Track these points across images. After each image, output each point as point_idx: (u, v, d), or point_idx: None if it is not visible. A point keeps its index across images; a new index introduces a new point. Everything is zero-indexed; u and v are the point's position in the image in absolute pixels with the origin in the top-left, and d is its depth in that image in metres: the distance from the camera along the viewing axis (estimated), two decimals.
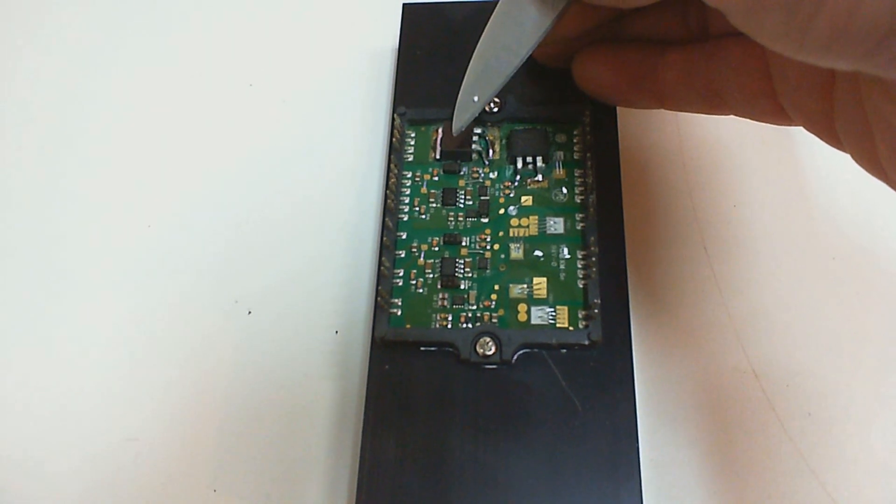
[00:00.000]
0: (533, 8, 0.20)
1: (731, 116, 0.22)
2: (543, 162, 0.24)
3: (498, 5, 0.21)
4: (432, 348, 0.22)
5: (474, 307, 0.22)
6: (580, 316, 0.22)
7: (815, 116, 0.19)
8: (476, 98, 0.22)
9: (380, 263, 0.23)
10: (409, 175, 0.25)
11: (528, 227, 0.23)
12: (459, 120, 0.22)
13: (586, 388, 0.21)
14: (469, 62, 0.22)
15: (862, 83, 0.17)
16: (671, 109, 0.23)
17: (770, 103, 0.20)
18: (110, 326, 0.26)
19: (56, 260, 0.27)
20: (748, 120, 0.21)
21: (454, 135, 0.23)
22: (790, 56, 0.15)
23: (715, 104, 0.21)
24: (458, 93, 0.22)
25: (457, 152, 0.24)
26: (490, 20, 0.21)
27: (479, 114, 0.25)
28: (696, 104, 0.22)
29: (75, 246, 0.28)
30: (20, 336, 0.26)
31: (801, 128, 0.20)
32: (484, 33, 0.21)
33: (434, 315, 0.22)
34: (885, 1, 0.12)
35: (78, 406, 0.25)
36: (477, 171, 0.24)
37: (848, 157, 0.19)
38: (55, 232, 0.28)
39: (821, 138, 0.19)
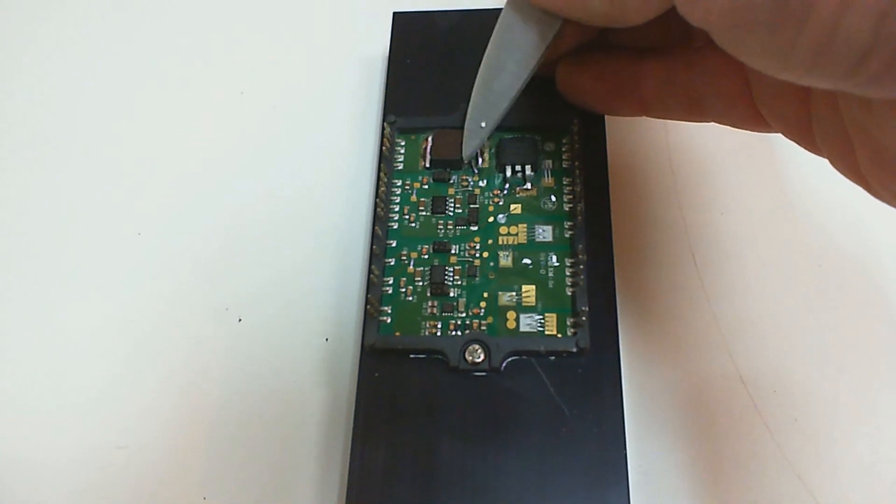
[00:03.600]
0: (530, 30, 0.21)
1: (718, 125, 0.22)
2: (532, 170, 0.24)
3: (495, 30, 0.21)
4: (422, 356, 0.22)
5: (463, 315, 0.22)
6: (568, 323, 0.22)
7: (793, 123, 0.19)
8: (483, 124, 0.22)
9: (369, 271, 0.23)
10: (399, 183, 0.25)
11: (516, 234, 0.23)
12: (469, 147, 0.23)
13: (574, 395, 0.21)
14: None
15: (839, 95, 0.17)
16: (654, 117, 0.23)
17: (749, 110, 0.20)
18: (101, 334, 0.26)
19: (46, 267, 0.27)
20: (730, 127, 0.22)
21: (465, 162, 0.24)
22: (773, 75, 0.15)
23: (695, 111, 0.22)
24: (463, 117, 0.23)
25: (446, 161, 0.25)
26: (489, 45, 0.22)
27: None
28: (677, 111, 0.22)
29: (65, 253, 0.28)
30: (9, 343, 0.26)
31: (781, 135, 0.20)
32: (484, 58, 0.22)
33: (423, 323, 0.22)
34: (865, 20, 0.12)
35: (67, 413, 0.25)
36: (466, 180, 0.25)
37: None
38: (45, 239, 0.28)
39: (799, 144, 0.20)
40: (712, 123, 0.22)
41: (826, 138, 0.18)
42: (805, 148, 0.19)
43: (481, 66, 0.22)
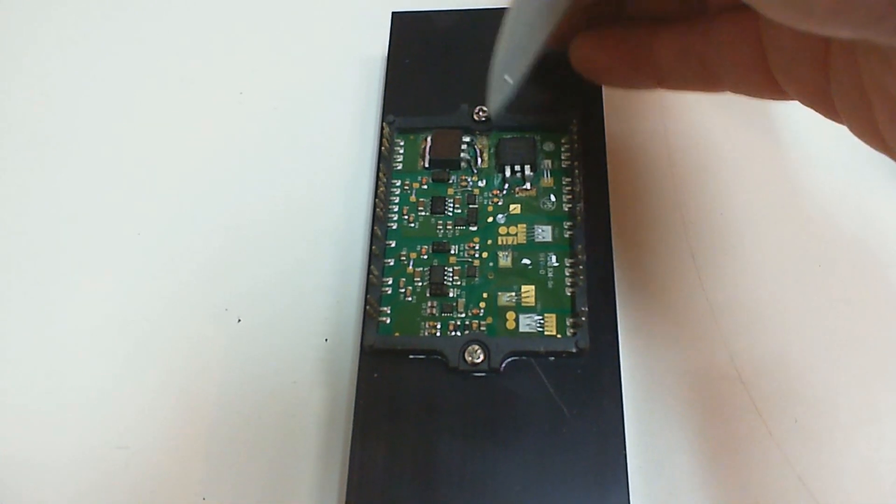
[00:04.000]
0: None
1: (719, 122, 0.22)
2: (532, 170, 0.24)
3: None
4: (421, 356, 0.22)
5: (463, 315, 0.22)
6: (568, 324, 0.22)
7: (811, 89, 0.19)
8: (508, 77, 0.21)
9: (368, 272, 0.23)
10: (398, 183, 0.25)
11: (516, 235, 0.23)
12: (495, 101, 0.22)
13: (574, 395, 0.21)
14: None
15: (859, 53, 0.17)
16: (669, 89, 0.23)
17: (765, 78, 0.20)
18: (100, 334, 0.26)
19: (45, 267, 0.27)
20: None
21: (493, 118, 0.23)
22: (793, 26, 0.14)
23: (711, 81, 0.21)
24: (488, 74, 0.22)
25: (445, 161, 0.25)
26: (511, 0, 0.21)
27: (469, 122, 0.25)
28: (693, 82, 0.22)
29: (65, 253, 0.28)
30: (8, 344, 0.26)
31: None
32: (507, 13, 0.21)
33: (423, 323, 0.22)
34: None
35: (67, 414, 0.25)
36: (465, 180, 0.25)
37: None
38: (44, 239, 0.28)
39: (817, 111, 0.19)
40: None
41: (845, 102, 0.18)
42: (822, 114, 0.19)
43: (505, 16, 0.21)
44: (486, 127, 0.25)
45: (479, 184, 0.24)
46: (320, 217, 0.27)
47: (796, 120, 0.27)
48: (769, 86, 0.20)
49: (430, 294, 0.23)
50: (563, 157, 0.24)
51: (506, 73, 0.22)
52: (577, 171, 0.24)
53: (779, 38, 0.19)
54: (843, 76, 0.17)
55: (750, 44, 0.20)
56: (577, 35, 0.23)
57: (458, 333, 0.22)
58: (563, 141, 0.25)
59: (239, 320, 0.26)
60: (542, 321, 0.22)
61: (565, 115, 0.25)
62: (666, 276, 0.25)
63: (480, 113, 0.25)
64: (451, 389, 0.21)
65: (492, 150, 0.25)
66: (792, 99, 0.20)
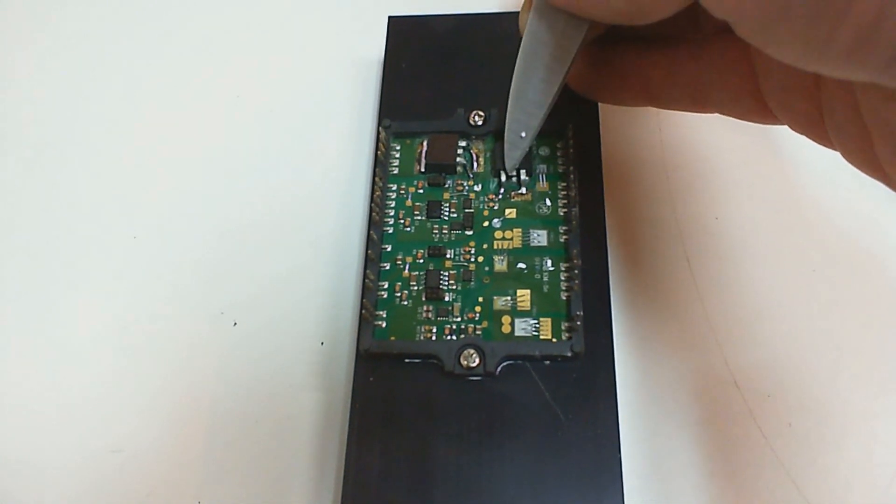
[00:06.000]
0: (557, 35, 0.20)
1: (714, 128, 0.22)
2: (527, 175, 0.24)
3: (524, 39, 0.21)
4: (417, 360, 0.22)
5: (458, 319, 0.22)
6: (563, 328, 0.22)
7: (802, 116, 0.19)
8: (523, 134, 0.22)
9: (364, 275, 0.23)
10: (394, 187, 0.25)
11: (511, 239, 0.23)
12: (511, 159, 0.23)
13: (569, 399, 0.21)
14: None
15: (857, 89, 0.16)
16: (659, 107, 0.23)
17: (755, 103, 0.20)
18: (95, 338, 0.26)
19: (41, 271, 0.27)
20: (733, 122, 0.21)
21: (510, 174, 0.24)
22: (801, 67, 0.14)
23: (700, 103, 0.21)
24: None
25: (441, 165, 0.25)
26: (519, 55, 0.21)
27: (465, 127, 0.25)
28: (682, 102, 0.22)
29: (60, 257, 0.27)
30: (3, 347, 0.26)
31: (786, 132, 0.19)
32: (516, 69, 0.21)
33: (418, 327, 0.22)
34: None
35: (62, 417, 0.24)
36: (461, 184, 0.25)
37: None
38: (40, 242, 0.28)
39: (809, 137, 0.19)
40: (708, 127, 0.22)
41: (839, 131, 0.18)
42: (815, 141, 0.19)
43: (513, 76, 0.21)
44: (482, 131, 0.25)
45: (475, 188, 0.24)
46: (316, 220, 0.27)
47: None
48: (760, 110, 0.20)
49: (426, 298, 0.23)
50: (558, 162, 0.25)
51: (521, 130, 0.22)
52: (572, 176, 0.24)
53: (770, 66, 0.19)
54: (838, 108, 0.17)
55: (741, 69, 0.19)
56: None
57: (454, 337, 0.22)
58: (558, 146, 0.25)
59: (235, 324, 0.26)
60: (537, 325, 0.22)
61: (561, 119, 0.25)
62: (661, 279, 0.25)
63: (476, 118, 0.25)
64: (447, 393, 0.21)
65: (488, 155, 0.25)
66: (782, 123, 0.20)
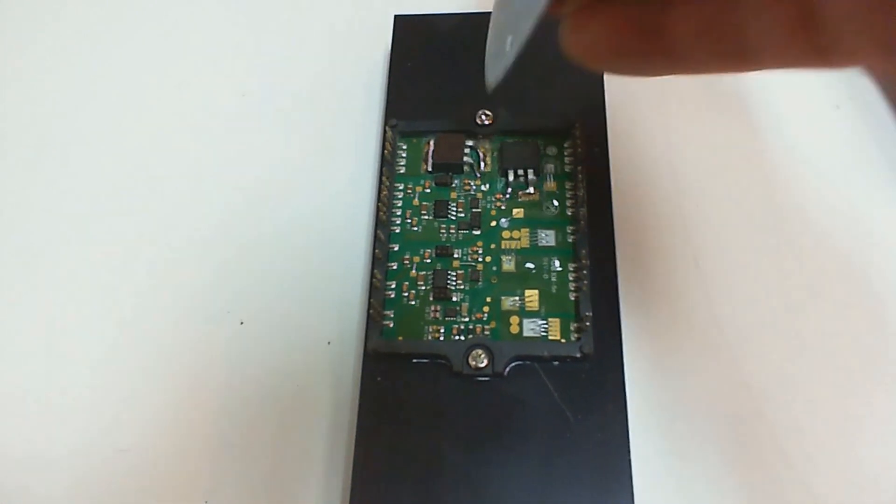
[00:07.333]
0: None
1: (723, 126, 0.21)
2: (535, 174, 0.24)
3: None
4: (424, 360, 0.22)
5: (466, 319, 0.22)
6: (572, 328, 0.22)
7: (872, 49, 0.15)
8: (510, 40, 0.18)
9: (372, 275, 0.23)
10: (401, 187, 0.25)
11: (519, 239, 0.23)
12: (493, 72, 0.19)
13: (578, 400, 0.21)
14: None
15: None
16: (684, 72, 0.19)
17: (811, 45, 0.16)
18: (102, 337, 0.26)
19: (48, 271, 0.27)
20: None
21: (489, 92, 0.20)
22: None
23: (740, 58, 0.18)
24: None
25: (448, 164, 0.25)
26: None
27: (472, 126, 0.25)
28: (716, 61, 0.18)
29: (67, 257, 0.27)
30: (10, 346, 0.26)
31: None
32: None
33: (426, 327, 0.22)
34: None
35: (68, 416, 0.24)
36: (468, 184, 0.25)
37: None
38: (47, 242, 0.28)
39: (879, 79, 0.16)
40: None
41: None
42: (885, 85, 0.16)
43: None
44: (489, 131, 0.25)
45: (482, 188, 0.24)
46: (323, 220, 0.27)
47: (802, 126, 0.27)
48: (814, 53, 0.16)
49: (434, 298, 0.23)
50: (566, 162, 0.24)
51: (508, 36, 0.18)
52: (580, 176, 0.24)
53: None
54: None
55: (793, 4, 0.16)
56: (571, 14, 0.19)
57: (462, 337, 0.22)
58: (565, 145, 0.25)
59: (241, 323, 0.25)
60: (545, 325, 0.22)
61: (568, 119, 0.25)
62: (669, 280, 0.25)
63: (483, 117, 0.25)
64: (455, 394, 0.21)
65: (494, 154, 0.25)
66: (844, 67, 0.16)
